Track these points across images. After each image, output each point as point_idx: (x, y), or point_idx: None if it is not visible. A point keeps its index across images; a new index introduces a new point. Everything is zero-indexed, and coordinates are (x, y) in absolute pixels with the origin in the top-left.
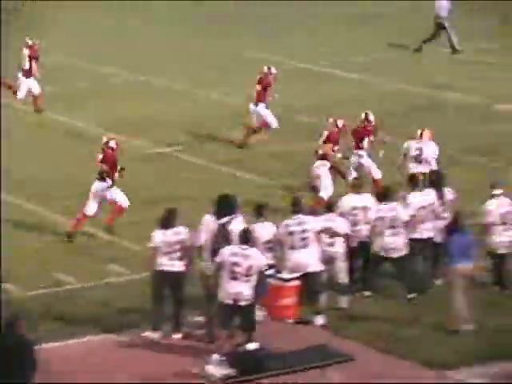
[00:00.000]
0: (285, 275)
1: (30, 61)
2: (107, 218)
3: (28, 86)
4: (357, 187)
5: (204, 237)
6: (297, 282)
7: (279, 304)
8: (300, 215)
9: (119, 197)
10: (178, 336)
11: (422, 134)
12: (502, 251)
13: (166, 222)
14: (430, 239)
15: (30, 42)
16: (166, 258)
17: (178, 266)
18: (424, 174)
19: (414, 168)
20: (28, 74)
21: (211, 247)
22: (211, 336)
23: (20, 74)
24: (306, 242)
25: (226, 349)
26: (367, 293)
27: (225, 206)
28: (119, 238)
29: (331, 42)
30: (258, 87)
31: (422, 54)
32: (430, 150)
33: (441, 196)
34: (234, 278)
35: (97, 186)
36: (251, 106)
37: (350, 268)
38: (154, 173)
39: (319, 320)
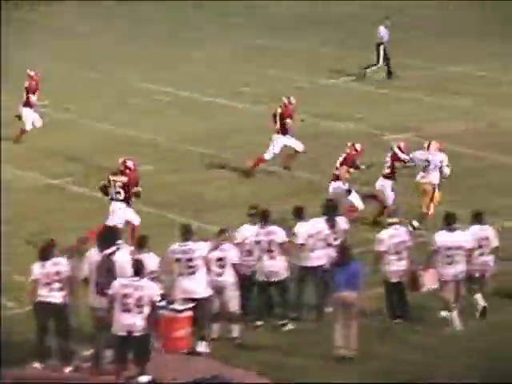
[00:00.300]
0: (177, 306)
1: (28, 93)
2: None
3: (32, 117)
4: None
5: (88, 269)
6: (190, 313)
7: (173, 336)
8: (189, 242)
9: (132, 216)
10: (68, 369)
11: (429, 145)
12: (394, 280)
13: (45, 254)
14: (320, 267)
15: (31, 74)
16: (45, 290)
17: (58, 297)
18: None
19: (422, 178)
20: (28, 105)
21: (96, 279)
22: (99, 369)
23: (21, 107)
24: (194, 269)
25: (119, 382)
26: (259, 322)
27: (108, 237)
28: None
29: (220, 73)
30: (281, 119)
31: (308, 85)
32: (437, 161)
33: (333, 225)
34: (127, 310)
35: (116, 205)
36: (275, 136)
37: (243, 297)
38: (42, 204)
39: (201, 347)
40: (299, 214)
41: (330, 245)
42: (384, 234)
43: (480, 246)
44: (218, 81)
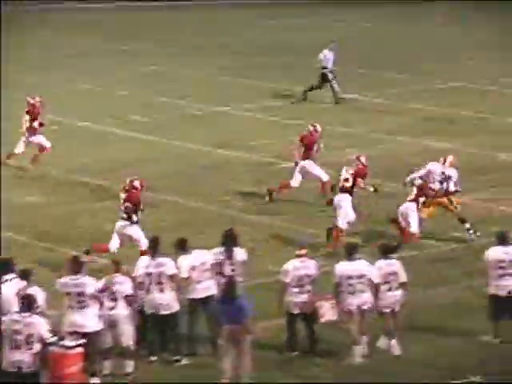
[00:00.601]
0: (68, 342)
1: (32, 120)
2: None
3: (32, 142)
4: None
5: None
6: (80, 349)
7: (63, 372)
8: (80, 276)
9: (141, 236)
10: None
11: (445, 159)
12: (295, 312)
13: None
14: (209, 298)
15: (31, 101)
16: None
17: None
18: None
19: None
20: (33, 131)
21: None
22: None
23: (25, 136)
24: (85, 304)
25: None
26: (153, 357)
27: None
28: None
29: (113, 101)
30: (300, 145)
31: (202, 113)
32: (451, 175)
33: (230, 255)
34: (16, 347)
35: (120, 224)
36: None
37: (137, 331)
38: None
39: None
40: (182, 247)
41: (225, 276)
42: (289, 266)
43: (387, 282)
44: (111, 109)
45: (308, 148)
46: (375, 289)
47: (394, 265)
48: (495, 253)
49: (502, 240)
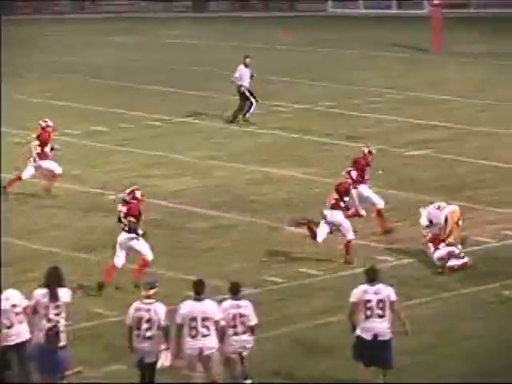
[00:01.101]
0: None
1: (43, 145)
2: (135, 271)
3: (41, 168)
4: None
5: None
6: None
7: None
8: None
9: (144, 249)
10: None
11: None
12: (138, 357)
13: None
14: (22, 344)
15: (43, 124)
16: None
17: None
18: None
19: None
20: (43, 156)
21: None
22: None
23: (33, 160)
24: None
25: None
26: None
27: None
28: None
29: None
30: (353, 170)
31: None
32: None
33: (55, 297)
34: None
35: (123, 237)
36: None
37: None
38: None
39: None
40: None
41: (50, 320)
42: (132, 308)
43: (233, 325)
44: None
45: (360, 172)
46: (221, 332)
47: (242, 306)
48: (362, 292)
49: (371, 278)
